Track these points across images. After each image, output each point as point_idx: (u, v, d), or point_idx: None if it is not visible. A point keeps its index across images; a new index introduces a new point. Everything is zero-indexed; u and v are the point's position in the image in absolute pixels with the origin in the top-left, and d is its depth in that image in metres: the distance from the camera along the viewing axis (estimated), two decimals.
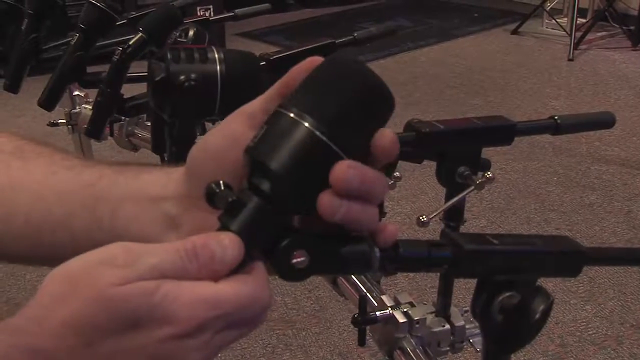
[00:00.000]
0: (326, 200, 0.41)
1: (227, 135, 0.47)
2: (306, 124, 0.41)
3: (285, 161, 0.41)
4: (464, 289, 1.91)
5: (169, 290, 0.38)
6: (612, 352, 1.92)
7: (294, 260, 0.42)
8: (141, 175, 0.51)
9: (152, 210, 0.50)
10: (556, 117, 0.82)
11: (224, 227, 0.42)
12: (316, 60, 0.45)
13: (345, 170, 0.41)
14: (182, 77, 0.66)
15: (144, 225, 0.50)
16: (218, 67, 0.68)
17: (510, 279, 0.51)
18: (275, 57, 0.86)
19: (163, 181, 0.50)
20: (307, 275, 0.43)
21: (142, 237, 0.50)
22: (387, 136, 0.43)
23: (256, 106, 0.47)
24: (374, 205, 0.43)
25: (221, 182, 0.43)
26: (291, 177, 0.41)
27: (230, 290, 0.40)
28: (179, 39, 0.94)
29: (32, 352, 0.37)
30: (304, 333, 2.03)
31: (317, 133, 0.41)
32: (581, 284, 2.19)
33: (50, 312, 0.38)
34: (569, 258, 0.52)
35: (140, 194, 0.50)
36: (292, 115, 0.42)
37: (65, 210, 0.52)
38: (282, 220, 0.42)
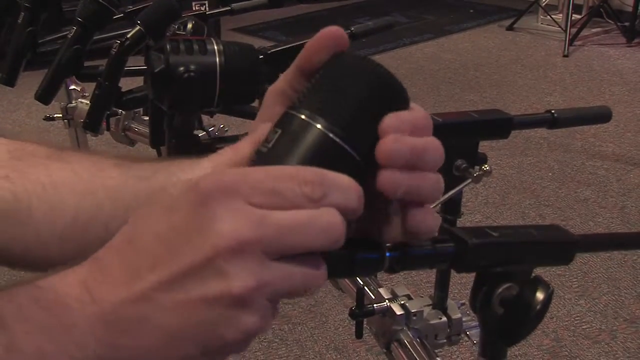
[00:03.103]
0: (387, 177, 0.39)
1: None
2: (318, 126, 0.40)
3: (282, 158, 0.39)
4: (460, 283, 1.93)
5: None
6: (606, 346, 1.93)
7: None
8: (194, 169, 0.50)
9: None
10: (553, 111, 0.83)
11: None
12: (334, 31, 0.42)
13: (390, 145, 0.39)
14: (181, 69, 0.66)
15: None
16: (217, 59, 0.67)
17: (507, 271, 0.51)
18: (273, 50, 0.87)
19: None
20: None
21: None
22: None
23: (281, 87, 0.45)
24: (435, 173, 0.41)
25: None
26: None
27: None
28: (177, 32, 0.94)
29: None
30: (299, 328, 2.04)
31: (331, 135, 0.39)
32: (575, 279, 2.20)
33: None
34: (562, 246, 0.52)
35: None
36: (303, 117, 0.40)
37: (119, 204, 0.51)
38: None
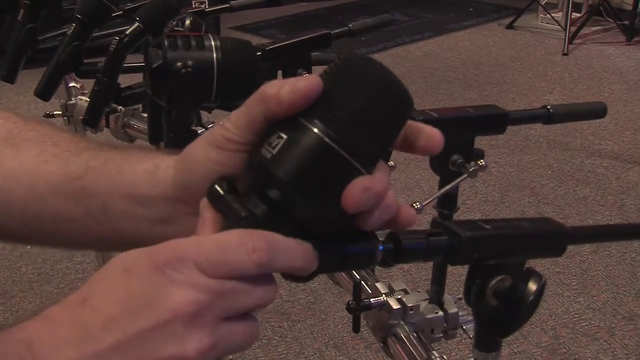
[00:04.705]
0: (373, 222, 0.41)
1: (210, 164, 0.44)
2: (315, 130, 0.39)
3: (293, 169, 0.39)
4: (458, 281, 1.93)
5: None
6: (605, 343, 1.93)
7: None
8: (125, 172, 0.50)
9: (143, 209, 0.49)
10: (548, 107, 0.83)
11: None
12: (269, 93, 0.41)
13: (358, 195, 0.39)
14: (179, 64, 0.66)
15: (136, 221, 0.50)
16: (215, 55, 0.68)
17: (501, 263, 0.52)
18: (271, 47, 0.87)
19: (150, 182, 0.49)
20: (313, 276, 0.42)
21: (135, 232, 0.50)
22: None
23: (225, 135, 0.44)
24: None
25: (224, 183, 0.42)
26: (300, 185, 0.39)
27: None
28: (175, 28, 0.94)
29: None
30: (299, 325, 2.04)
31: (327, 139, 0.39)
32: (574, 277, 2.21)
33: None
34: (554, 238, 0.53)
35: (127, 192, 0.50)
36: (303, 120, 0.40)
37: (60, 201, 0.51)
38: (290, 227, 0.41)
